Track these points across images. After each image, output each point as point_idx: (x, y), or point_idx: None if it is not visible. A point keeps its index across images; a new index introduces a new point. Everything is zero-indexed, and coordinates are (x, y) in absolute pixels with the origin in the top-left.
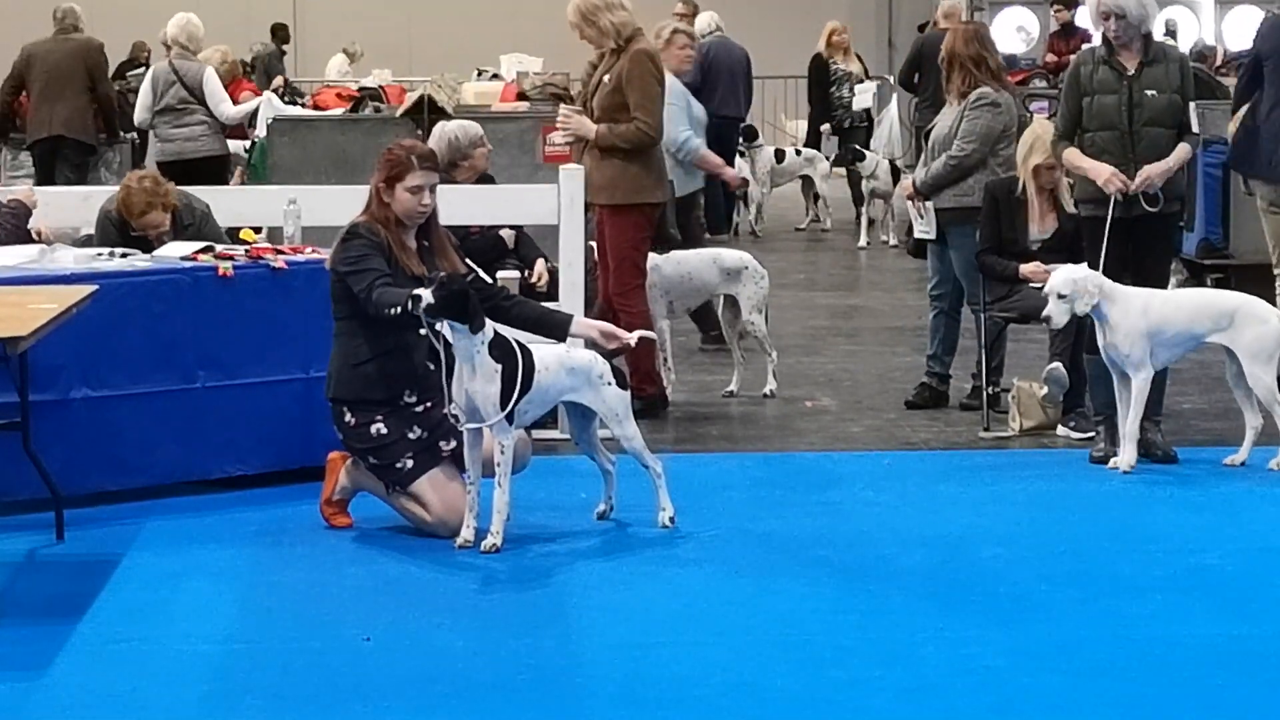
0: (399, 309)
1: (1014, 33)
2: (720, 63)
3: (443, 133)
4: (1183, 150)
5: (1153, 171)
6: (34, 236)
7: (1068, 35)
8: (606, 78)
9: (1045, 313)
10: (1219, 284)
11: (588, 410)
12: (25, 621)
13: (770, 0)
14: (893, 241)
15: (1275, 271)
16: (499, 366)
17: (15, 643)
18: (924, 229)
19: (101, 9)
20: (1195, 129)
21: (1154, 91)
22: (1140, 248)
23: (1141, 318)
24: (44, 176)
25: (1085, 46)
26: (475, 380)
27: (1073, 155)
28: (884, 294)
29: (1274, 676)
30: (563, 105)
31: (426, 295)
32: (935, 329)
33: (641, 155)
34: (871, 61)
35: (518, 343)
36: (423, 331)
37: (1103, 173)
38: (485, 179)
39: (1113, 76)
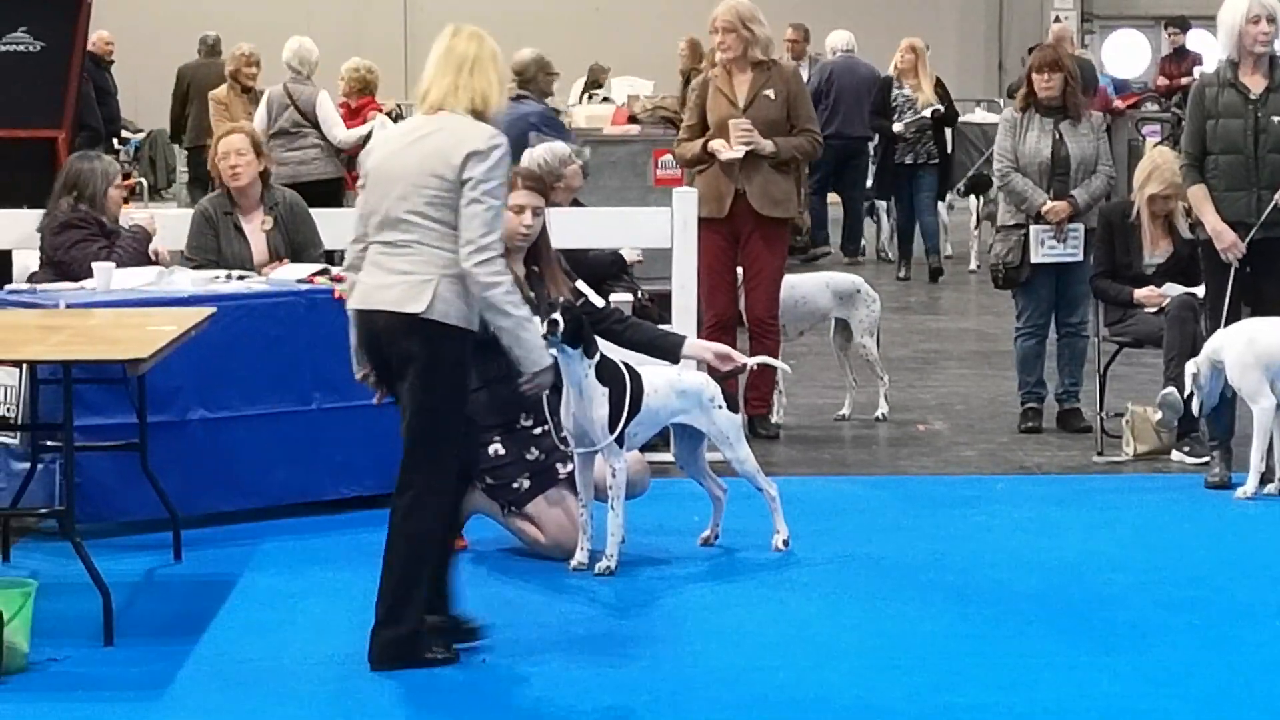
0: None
1: (1125, 55)
2: (843, 83)
3: (530, 158)
4: None
5: None
6: (152, 258)
7: (1179, 58)
8: (770, 93)
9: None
10: None
11: (696, 433)
12: (144, 641)
13: (895, 22)
14: (974, 266)
15: None
16: (606, 390)
17: (134, 662)
18: (1055, 252)
19: (232, 34)
20: None
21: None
22: (1259, 273)
23: (1247, 348)
24: (194, 175)
25: (1197, 69)
26: (583, 404)
27: (1200, 201)
28: (995, 318)
29: None
30: (734, 120)
31: (561, 323)
32: (1041, 354)
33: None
34: (980, 85)
35: (626, 365)
36: None
37: (1224, 239)
38: (574, 204)
39: (1238, 100)
